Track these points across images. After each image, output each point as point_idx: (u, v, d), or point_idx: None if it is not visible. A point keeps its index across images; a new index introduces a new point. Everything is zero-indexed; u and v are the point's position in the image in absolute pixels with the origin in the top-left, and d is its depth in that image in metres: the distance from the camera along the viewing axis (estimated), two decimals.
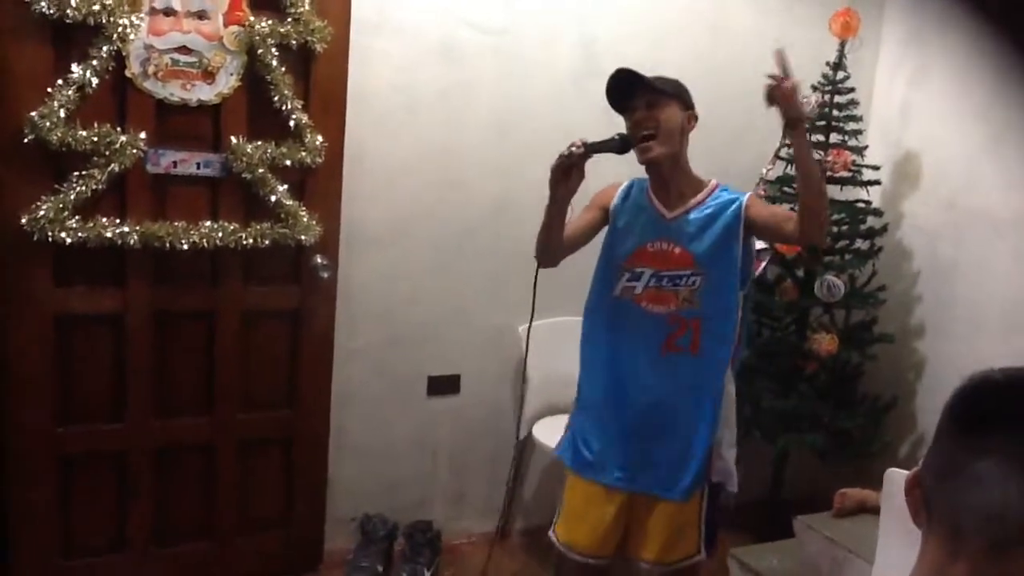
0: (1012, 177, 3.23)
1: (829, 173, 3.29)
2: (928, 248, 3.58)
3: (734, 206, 2.29)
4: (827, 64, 3.35)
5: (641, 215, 2.35)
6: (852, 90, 3.36)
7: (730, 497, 2.47)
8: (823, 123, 3.34)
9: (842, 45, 3.33)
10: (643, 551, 2.39)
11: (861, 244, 3.47)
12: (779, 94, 2.10)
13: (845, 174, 3.32)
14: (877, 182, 3.44)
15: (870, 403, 3.53)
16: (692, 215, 2.30)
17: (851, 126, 3.36)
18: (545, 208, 2.25)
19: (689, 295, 2.30)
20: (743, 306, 2.35)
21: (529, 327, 2.47)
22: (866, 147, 3.45)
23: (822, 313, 3.38)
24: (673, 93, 2.27)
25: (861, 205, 3.44)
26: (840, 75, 3.34)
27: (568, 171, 2.15)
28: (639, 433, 2.35)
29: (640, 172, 2.37)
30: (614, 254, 2.38)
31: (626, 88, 2.25)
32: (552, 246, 2.30)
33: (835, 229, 3.39)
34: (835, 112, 3.35)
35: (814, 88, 3.34)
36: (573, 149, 2.13)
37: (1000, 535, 0.83)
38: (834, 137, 3.35)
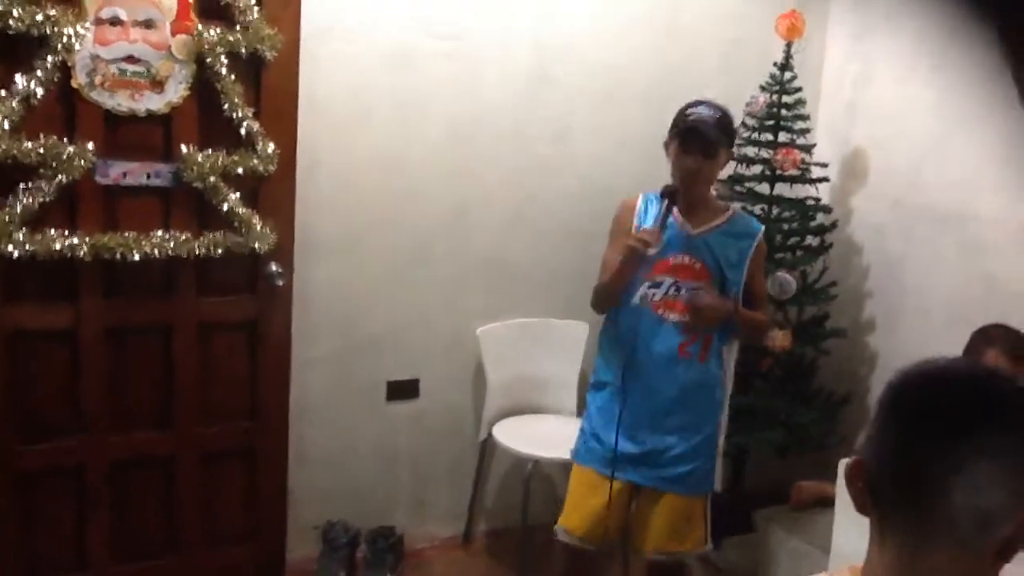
0: (956, 174, 3.30)
1: (778, 171, 3.35)
2: (877, 243, 3.65)
3: (750, 239, 2.55)
4: (774, 65, 3.40)
5: (667, 230, 2.47)
6: (799, 90, 3.42)
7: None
8: (771, 122, 3.40)
9: (788, 46, 3.38)
10: (647, 541, 2.54)
11: (812, 240, 3.53)
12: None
13: (794, 172, 3.37)
14: (826, 179, 3.50)
15: (825, 398, 3.59)
16: (713, 235, 2.52)
17: (799, 125, 3.42)
18: (612, 277, 2.49)
19: None
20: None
21: None
22: (814, 145, 3.51)
23: (775, 310, 3.43)
24: (726, 143, 2.48)
25: (811, 202, 3.49)
26: (787, 75, 3.39)
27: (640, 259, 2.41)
28: (645, 428, 2.50)
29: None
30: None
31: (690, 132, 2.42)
32: (614, 303, 2.54)
33: (785, 227, 3.44)
34: (783, 112, 3.40)
35: (762, 88, 3.39)
36: (646, 245, 2.36)
37: (962, 534, 0.87)
38: (783, 136, 3.40)
